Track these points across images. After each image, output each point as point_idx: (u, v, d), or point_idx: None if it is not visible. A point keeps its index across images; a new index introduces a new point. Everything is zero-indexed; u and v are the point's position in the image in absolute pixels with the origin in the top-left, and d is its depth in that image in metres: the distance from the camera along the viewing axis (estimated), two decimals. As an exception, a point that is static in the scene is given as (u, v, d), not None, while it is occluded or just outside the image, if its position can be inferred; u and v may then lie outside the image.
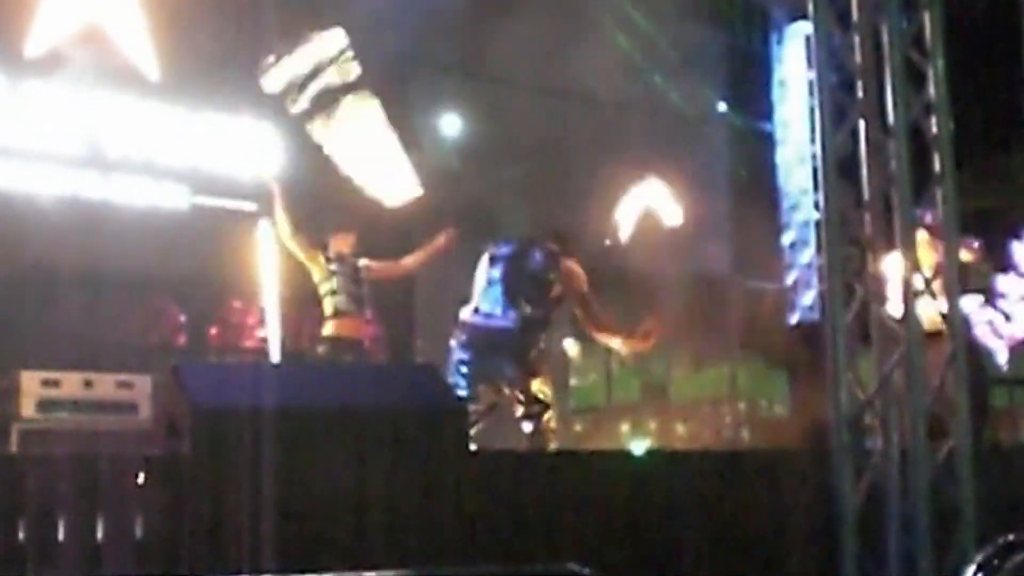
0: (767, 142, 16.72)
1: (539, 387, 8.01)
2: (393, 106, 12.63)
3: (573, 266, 8.15)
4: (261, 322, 11.93)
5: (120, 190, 11.51)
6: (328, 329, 9.46)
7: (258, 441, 4.94)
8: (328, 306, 9.48)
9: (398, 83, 13.22)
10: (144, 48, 11.53)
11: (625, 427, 15.85)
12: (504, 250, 8.27)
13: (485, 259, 8.26)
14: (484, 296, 8.11)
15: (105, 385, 9.46)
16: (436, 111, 14.10)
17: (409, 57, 13.29)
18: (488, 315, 8.05)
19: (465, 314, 8.15)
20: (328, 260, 9.61)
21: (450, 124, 14.21)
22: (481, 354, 7.98)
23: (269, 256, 10.14)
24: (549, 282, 8.10)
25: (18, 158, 11.03)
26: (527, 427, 7.94)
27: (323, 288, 9.55)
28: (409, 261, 9.84)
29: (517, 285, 8.04)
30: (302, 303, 10.57)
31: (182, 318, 12.49)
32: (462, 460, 5.35)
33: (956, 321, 6.36)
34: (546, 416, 7.97)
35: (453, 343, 8.17)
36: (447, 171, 13.48)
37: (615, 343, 8.32)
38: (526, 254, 8.21)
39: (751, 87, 16.60)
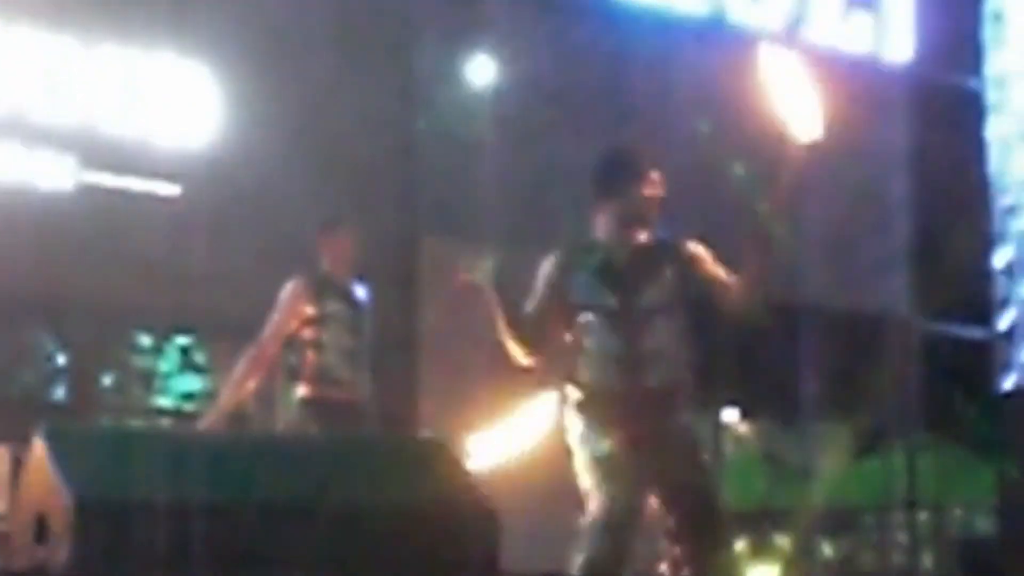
0: (973, 107, 16.66)
1: None
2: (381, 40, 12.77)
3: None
4: (184, 367, 11.97)
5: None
6: (303, 391, 9.38)
7: (176, 552, 4.94)
8: (308, 363, 9.34)
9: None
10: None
11: (740, 545, 15.77)
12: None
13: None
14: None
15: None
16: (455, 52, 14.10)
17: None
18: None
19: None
20: (319, 294, 9.42)
21: (481, 69, 14.20)
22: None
23: None
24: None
25: None
26: None
27: (304, 334, 9.45)
28: None
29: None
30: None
31: (61, 359, 12.54)
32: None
33: None
34: None
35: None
36: (474, 145, 13.51)
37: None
38: None
39: (948, 25, 16.54)
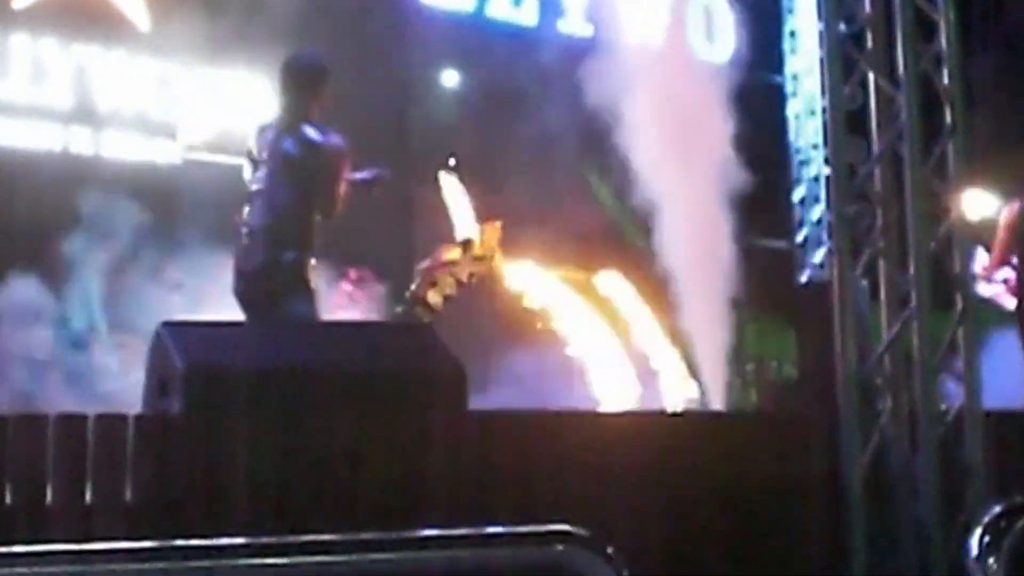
0: (777, 94, 16.62)
1: None
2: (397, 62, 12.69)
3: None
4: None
5: (111, 145, 11.51)
6: None
7: (250, 401, 4.96)
8: None
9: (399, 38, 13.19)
10: (135, -1, 11.52)
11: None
12: None
13: None
14: None
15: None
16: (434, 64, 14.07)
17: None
18: None
19: None
20: None
21: (449, 75, 14.22)
22: None
23: None
24: None
25: (6, 112, 11.03)
26: None
27: None
28: None
29: None
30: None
31: (178, 275, 12.49)
32: (458, 420, 5.36)
33: (966, 279, 6.36)
34: None
35: None
36: (445, 123, 13.53)
37: None
38: None
39: (761, 38, 16.43)
